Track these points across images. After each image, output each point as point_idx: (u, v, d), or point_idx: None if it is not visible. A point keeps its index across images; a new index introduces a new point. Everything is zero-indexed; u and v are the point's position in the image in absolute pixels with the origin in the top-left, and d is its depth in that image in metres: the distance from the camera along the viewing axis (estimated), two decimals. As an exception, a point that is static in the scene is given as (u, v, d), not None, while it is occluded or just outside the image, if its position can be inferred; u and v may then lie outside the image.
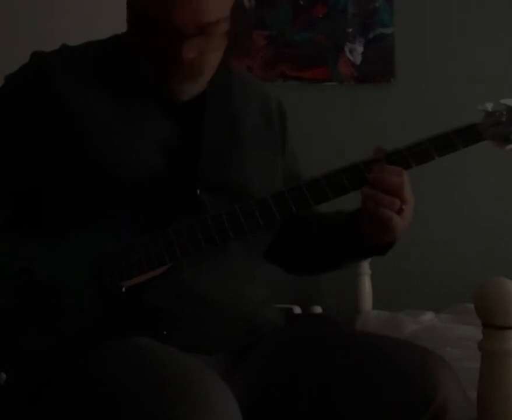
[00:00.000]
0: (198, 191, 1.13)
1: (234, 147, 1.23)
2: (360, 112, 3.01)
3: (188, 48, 1.10)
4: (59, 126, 1.14)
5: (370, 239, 1.18)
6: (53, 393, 1.04)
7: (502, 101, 1.17)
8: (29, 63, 1.19)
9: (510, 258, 2.82)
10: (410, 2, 3.04)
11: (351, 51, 3.06)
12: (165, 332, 1.09)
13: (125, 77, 1.19)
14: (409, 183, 1.12)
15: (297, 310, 2.72)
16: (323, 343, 1.21)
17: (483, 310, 1.24)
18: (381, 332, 2.13)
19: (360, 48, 3.05)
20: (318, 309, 2.80)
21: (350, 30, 3.06)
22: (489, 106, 1.17)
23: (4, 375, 1.07)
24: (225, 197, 1.17)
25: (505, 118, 1.16)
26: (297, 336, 1.24)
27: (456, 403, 1.08)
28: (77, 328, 1.09)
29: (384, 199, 1.10)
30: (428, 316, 2.59)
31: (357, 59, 3.05)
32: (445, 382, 1.08)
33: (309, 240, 1.34)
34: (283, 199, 1.11)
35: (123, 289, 1.10)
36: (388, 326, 2.42)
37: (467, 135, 1.14)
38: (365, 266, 2.77)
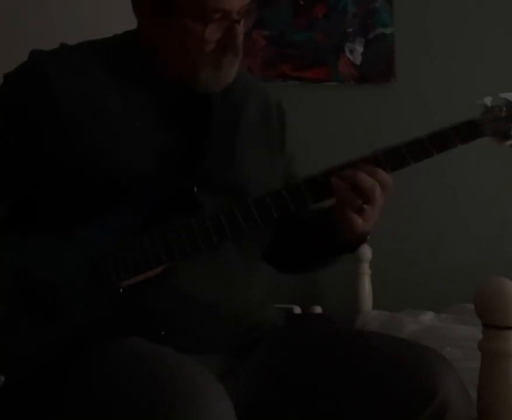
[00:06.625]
0: (195, 189, 1.13)
1: (233, 146, 1.23)
2: (360, 112, 3.01)
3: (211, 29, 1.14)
4: (56, 125, 1.13)
5: (340, 235, 1.17)
6: (51, 393, 1.04)
7: (502, 95, 1.15)
8: (27, 61, 1.19)
9: (510, 258, 2.82)
10: (410, 2, 3.04)
11: (351, 51, 3.05)
12: (163, 333, 1.08)
13: (125, 75, 1.19)
14: (388, 187, 1.10)
15: (297, 310, 2.72)
16: (323, 343, 1.21)
17: (483, 310, 1.24)
18: (381, 332, 2.13)
19: (360, 48, 3.05)
20: (318, 309, 2.80)
21: (350, 30, 3.05)
22: (488, 101, 1.14)
23: (3, 378, 1.07)
24: (222, 196, 1.16)
25: (505, 114, 1.13)
26: (297, 336, 1.24)
27: (457, 402, 1.08)
28: (76, 328, 1.09)
29: (345, 195, 1.09)
30: (428, 316, 2.59)
31: (357, 59, 3.05)
32: (447, 380, 1.09)
33: (294, 237, 1.33)
34: (281, 198, 1.11)
35: (121, 290, 1.10)
36: (388, 326, 2.42)
37: (466, 131, 1.12)
38: (365, 266, 2.77)
